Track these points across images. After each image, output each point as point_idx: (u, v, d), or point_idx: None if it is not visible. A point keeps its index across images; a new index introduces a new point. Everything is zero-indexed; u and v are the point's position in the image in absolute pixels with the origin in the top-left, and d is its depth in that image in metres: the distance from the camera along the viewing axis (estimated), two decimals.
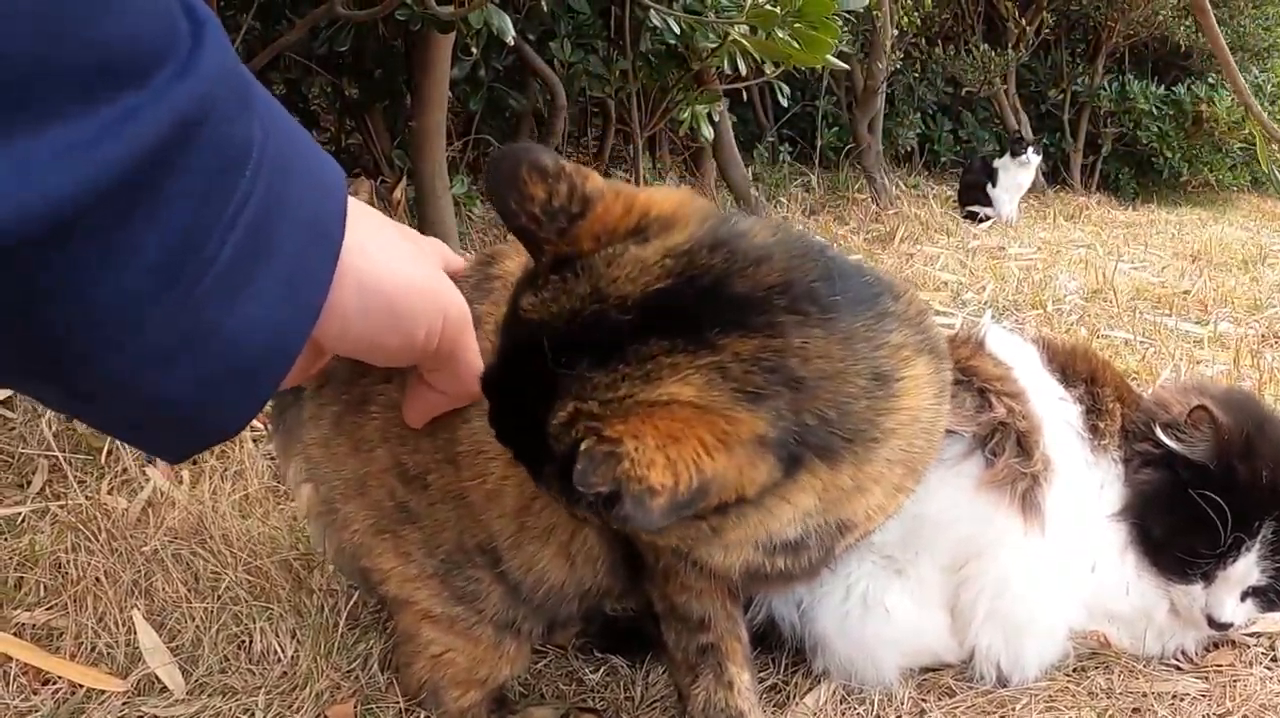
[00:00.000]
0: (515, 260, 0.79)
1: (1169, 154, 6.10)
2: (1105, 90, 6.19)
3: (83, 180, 0.36)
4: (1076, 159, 6.24)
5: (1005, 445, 0.89)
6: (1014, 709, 0.95)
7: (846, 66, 2.62)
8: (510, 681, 0.88)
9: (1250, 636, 1.09)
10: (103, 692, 0.94)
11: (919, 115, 5.77)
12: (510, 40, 1.92)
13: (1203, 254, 3.77)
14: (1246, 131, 5.92)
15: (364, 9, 1.75)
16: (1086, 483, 0.99)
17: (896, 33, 4.55)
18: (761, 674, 0.99)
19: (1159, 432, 0.99)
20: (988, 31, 5.91)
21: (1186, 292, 2.91)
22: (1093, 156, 6.38)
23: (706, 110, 2.88)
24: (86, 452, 1.42)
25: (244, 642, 1.01)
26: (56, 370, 0.41)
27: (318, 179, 0.49)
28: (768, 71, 2.87)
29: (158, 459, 1.39)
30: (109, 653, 1.00)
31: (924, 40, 5.58)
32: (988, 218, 4.53)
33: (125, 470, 1.37)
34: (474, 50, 2.43)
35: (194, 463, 1.38)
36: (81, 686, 0.94)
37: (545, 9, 2.43)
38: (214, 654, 0.99)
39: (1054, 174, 6.17)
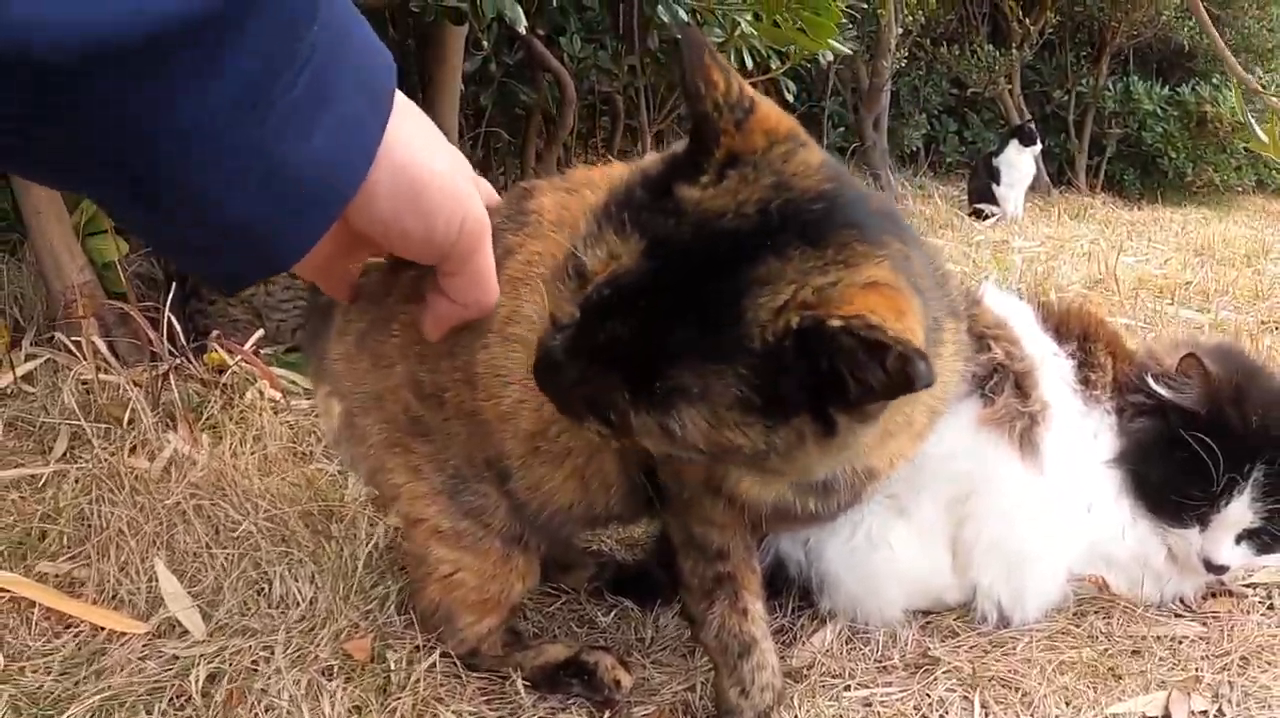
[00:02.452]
0: (550, 196, 0.81)
1: (1173, 154, 6.10)
2: (1109, 91, 6.20)
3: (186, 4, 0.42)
4: (1081, 160, 6.25)
5: (1004, 386, 0.92)
6: (1015, 649, 0.97)
7: (850, 50, 2.66)
8: (522, 600, 0.90)
9: (1247, 586, 1.11)
10: (123, 634, 0.96)
11: (924, 116, 5.79)
12: (523, 29, 1.96)
13: (1206, 249, 3.77)
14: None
15: None
16: (1080, 431, 1.02)
17: (901, 31, 4.59)
18: (769, 618, 1.01)
19: (1151, 381, 1.01)
20: (992, 33, 5.95)
21: (1189, 282, 2.92)
22: (1097, 157, 6.39)
23: None
24: (107, 420, 1.45)
25: (263, 588, 1.04)
26: (143, 183, 0.47)
27: (372, 52, 0.55)
28: (774, 68, 2.91)
29: (177, 423, 1.42)
30: (130, 600, 1.02)
31: (929, 40, 5.61)
32: (992, 214, 4.55)
33: (145, 436, 1.39)
34: (485, 43, 2.47)
35: (213, 429, 1.42)
36: (103, 628, 0.97)
37: (554, 4, 2.48)
38: (234, 598, 1.01)
39: (1059, 175, 6.18)
